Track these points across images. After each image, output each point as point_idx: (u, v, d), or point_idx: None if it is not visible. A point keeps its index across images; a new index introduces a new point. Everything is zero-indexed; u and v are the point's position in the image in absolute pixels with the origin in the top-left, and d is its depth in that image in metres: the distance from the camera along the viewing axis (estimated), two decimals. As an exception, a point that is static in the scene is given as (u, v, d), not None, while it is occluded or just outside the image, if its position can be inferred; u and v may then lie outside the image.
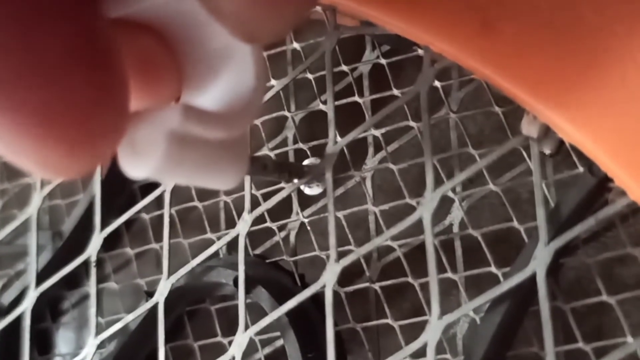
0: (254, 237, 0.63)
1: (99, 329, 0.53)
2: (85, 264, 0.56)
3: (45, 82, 0.20)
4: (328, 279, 0.42)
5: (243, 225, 0.47)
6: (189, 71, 0.32)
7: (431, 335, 0.39)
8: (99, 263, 0.55)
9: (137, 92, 0.27)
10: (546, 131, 0.41)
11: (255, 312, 0.49)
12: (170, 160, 0.29)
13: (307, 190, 0.60)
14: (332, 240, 0.42)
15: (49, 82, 0.20)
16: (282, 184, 0.58)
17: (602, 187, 0.44)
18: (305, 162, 0.61)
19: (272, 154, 0.61)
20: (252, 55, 0.32)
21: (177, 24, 0.29)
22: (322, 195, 0.61)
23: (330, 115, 0.45)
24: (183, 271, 0.49)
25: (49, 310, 0.75)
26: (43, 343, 0.75)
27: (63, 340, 0.76)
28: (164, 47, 0.28)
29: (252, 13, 0.22)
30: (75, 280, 0.71)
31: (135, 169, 0.30)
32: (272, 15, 0.23)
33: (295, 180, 0.48)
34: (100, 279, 0.62)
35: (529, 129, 0.40)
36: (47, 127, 0.20)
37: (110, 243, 0.65)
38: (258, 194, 0.56)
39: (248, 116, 0.33)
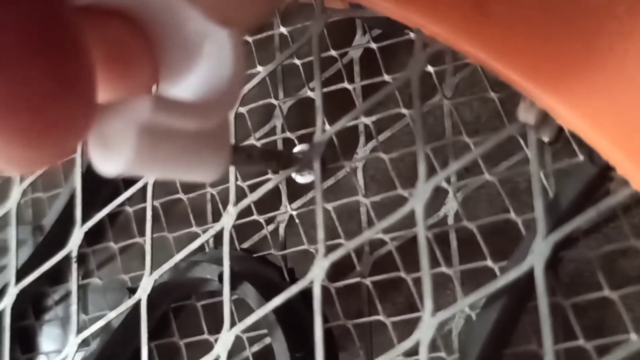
0: (243, 230, 0.61)
1: (83, 326, 0.51)
2: (68, 258, 0.54)
3: (2, 73, 0.19)
4: (316, 275, 0.40)
5: (228, 219, 0.45)
6: (165, 58, 0.30)
7: (424, 333, 0.37)
8: (83, 258, 0.53)
9: (110, 81, 0.25)
10: (544, 118, 0.38)
11: (245, 308, 0.47)
12: (142, 154, 0.27)
13: (299, 179, 0.58)
14: (320, 234, 0.40)
15: (6, 73, 0.19)
16: (270, 175, 0.56)
17: (603, 176, 0.42)
18: (296, 149, 0.59)
19: (258, 144, 0.59)
20: (230, 41, 0.30)
21: (150, 7, 0.27)
22: (312, 186, 0.59)
23: (318, 103, 0.43)
24: (166, 266, 0.47)
25: (31, 307, 0.73)
26: (26, 341, 0.73)
27: (47, 338, 0.74)
28: (136, 33, 0.26)
29: None
30: (59, 276, 0.69)
31: (106, 165, 0.28)
32: None
33: (283, 170, 0.46)
34: (84, 275, 0.60)
35: (526, 115, 0.38)
36: (5, 119, 0.19)
37: (95, 237, 0.63)
38: (245, 185, 0.54)
39: (226, 105, 0.31)
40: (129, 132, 0.27)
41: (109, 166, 0.28)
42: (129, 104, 0.28)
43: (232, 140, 0.46)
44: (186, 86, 0.31)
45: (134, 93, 0.28)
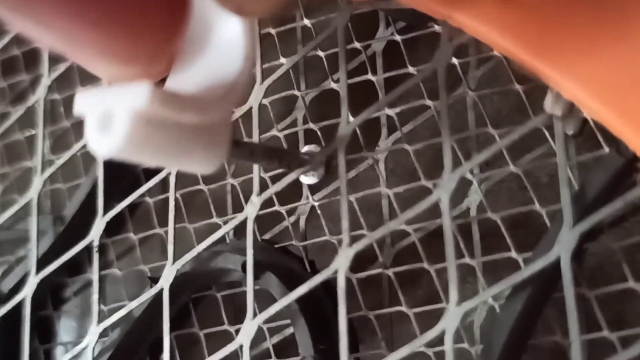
0: (261, 223, 0.61)
1: (102, 317, 0.51)
2: (88, 249, 0.54)
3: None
4: (340, 264, 0.40)
5: (252, 208, 0.45)
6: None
7: (449, 322, 0.37)
8: (102, 249, 0.53)
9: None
10: (570, 109, 0.39)
11: (263, 301, 0.47)
12: (134, 141, 0.28)
13: (304, 179, 0.59)
14: (344, 223, 0.40)
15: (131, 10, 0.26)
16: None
17: (630, 167, 0.42)
18: (304, 150, 0.59)
19: (281, 135, 0.59)
20: (244, 35, 0.31)
21: None
22: (332, 179, 0.59)
23: (343, 93, 0.43)
24: (189, 256, 0.47)
25: (50, 297, 0.73)
26: (44, 331, 0.73)
27: (65, 329, 0.74)
28: None
29: None
30: (78, 266, 0.69)
31: (100, 147, 0.29)
32: None
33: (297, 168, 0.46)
34: (103, 266, 0.60)
35: (553, 106, 0.38)
36: (121, 42, 0.27)
37: (114, 228, 0.63)
38: (267, 176, 0.54)
39: (229, 101, 0.31)
40: (125, 118, 0.28)
41: (102, 148, 0.29)
42: (129, 90, 0.28)
43: (233, 136, 0.46)
44: (192, 75, 0.31)
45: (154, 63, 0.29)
